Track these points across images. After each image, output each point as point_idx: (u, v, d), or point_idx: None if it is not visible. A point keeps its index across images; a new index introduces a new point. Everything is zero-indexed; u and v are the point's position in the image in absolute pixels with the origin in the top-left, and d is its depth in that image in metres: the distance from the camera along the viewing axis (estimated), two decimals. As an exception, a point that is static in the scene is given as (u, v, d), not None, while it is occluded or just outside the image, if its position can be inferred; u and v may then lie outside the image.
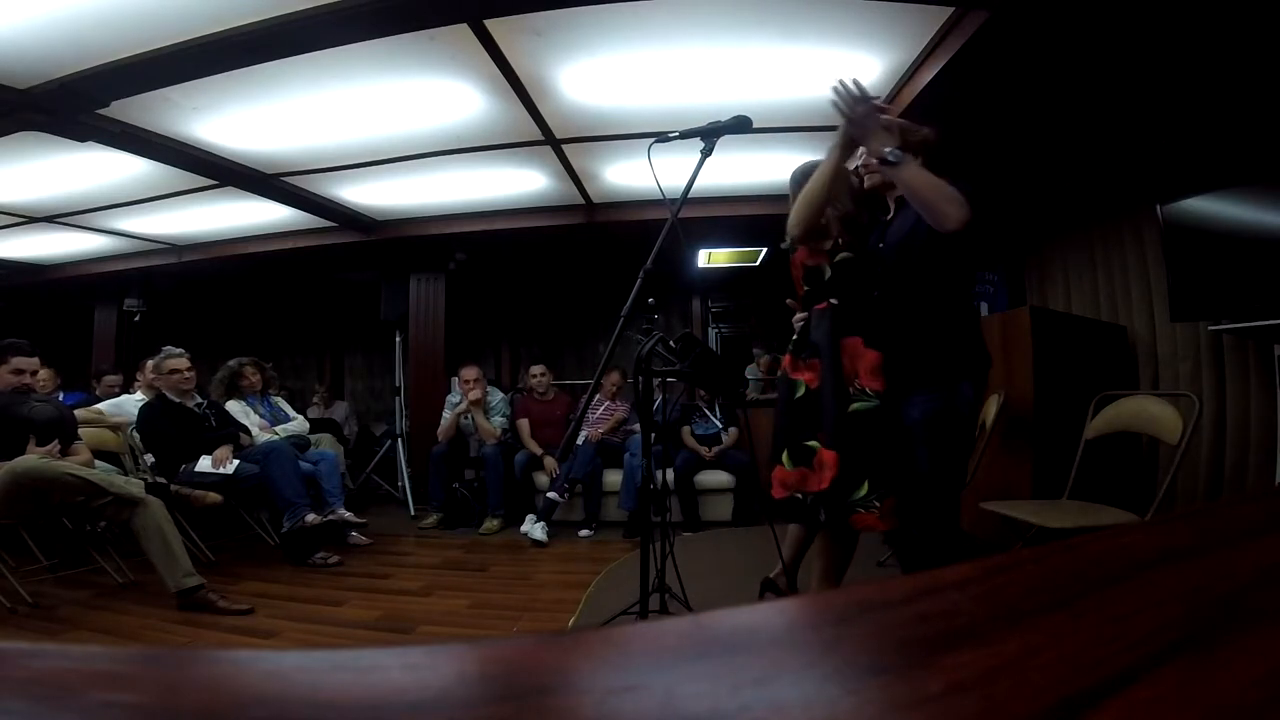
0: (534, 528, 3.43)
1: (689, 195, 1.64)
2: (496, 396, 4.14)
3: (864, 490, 1.64)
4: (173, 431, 3.05)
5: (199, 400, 3.25)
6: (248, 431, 3.31)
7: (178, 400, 3.14)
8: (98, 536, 2.70)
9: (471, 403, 3.92)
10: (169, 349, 3.20)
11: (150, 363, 3.45)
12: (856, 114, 1.49)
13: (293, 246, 4.58)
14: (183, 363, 3.17)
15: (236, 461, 3.06)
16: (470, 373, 4.01)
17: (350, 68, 2.35)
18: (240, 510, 3.27)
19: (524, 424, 4.08)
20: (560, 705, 0.18)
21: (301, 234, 4.51)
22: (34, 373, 2.60)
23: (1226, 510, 0.45)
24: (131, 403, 3.50)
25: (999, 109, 2.73)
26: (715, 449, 3.85)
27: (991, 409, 2.66)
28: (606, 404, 4.17)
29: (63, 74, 2.27)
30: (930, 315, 1.62)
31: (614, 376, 4.13)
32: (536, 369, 4.24)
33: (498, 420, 4.01)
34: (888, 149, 1.45)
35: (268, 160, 3.24)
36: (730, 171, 3.46)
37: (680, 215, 1.63)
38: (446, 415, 4.04)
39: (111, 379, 4.29)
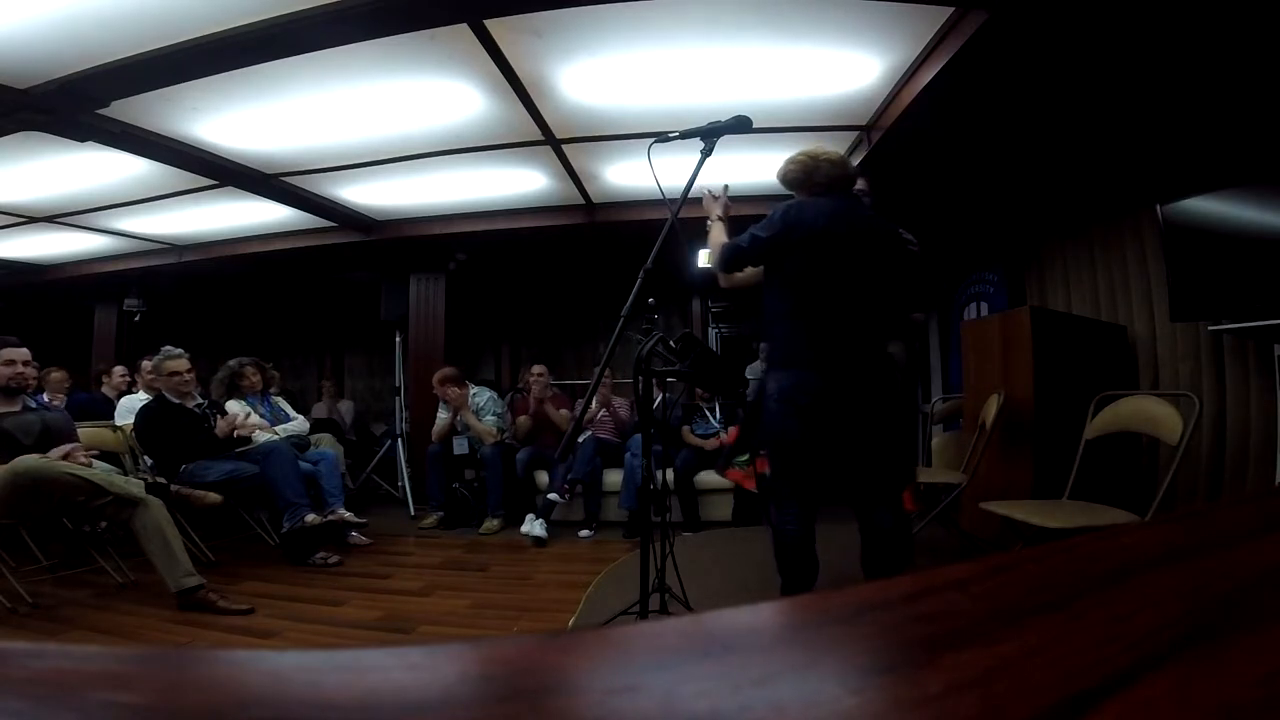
0: (534, 525, 3.43)
1: (689, 195, 1.65)
2: (485, 396, 4.10)
3: (745, 456, 2.55)
4: (171, 434, 3.04)
5: (199, 401, 3.24)
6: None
7: (177, 401, 3.13)
8: (98, 536, 2.70)
9: (455, 405, 3.90)
10: (168, 349, 3.17)
11: (149, 363, 3.44)
12: (706, 202, 2.12)
13: (293, 246, 4.58)
14: (182, 364, 3.14)
15: (263, 436, 3.14)
16: (435, 376, 3.98)
17: (350, 68, 2.35)
18: (240, 510, 3.27)
19: (524, 419, 4.08)
20: (560, 705, 0.18)
21: (301, 234, 4.51)
22: (26, 363, 2.57)
23: (1226, 510, 0.45)
24: (136, 402, 3.50)
25: (999, 109, 2.73)
26: (714, 441, 3.85)
27: (991, 409, 2.66)
28: (613, 400, 4.18)
29: (63, 74, 2.27)
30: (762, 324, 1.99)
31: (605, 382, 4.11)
32: (537, 368, 4.17)
33: (490, 420, 3.99)
34: (709, 220, 2.10)
35: (268, 160, 3.24)
36: (730, 171, 3.46)
37: (680, 215, 1.64)
38: (442, 415, 4.03)
39: (121, 370, 4.28)
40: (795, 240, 1.80)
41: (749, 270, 2.01)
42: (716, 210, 2.08)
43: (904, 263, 1.93)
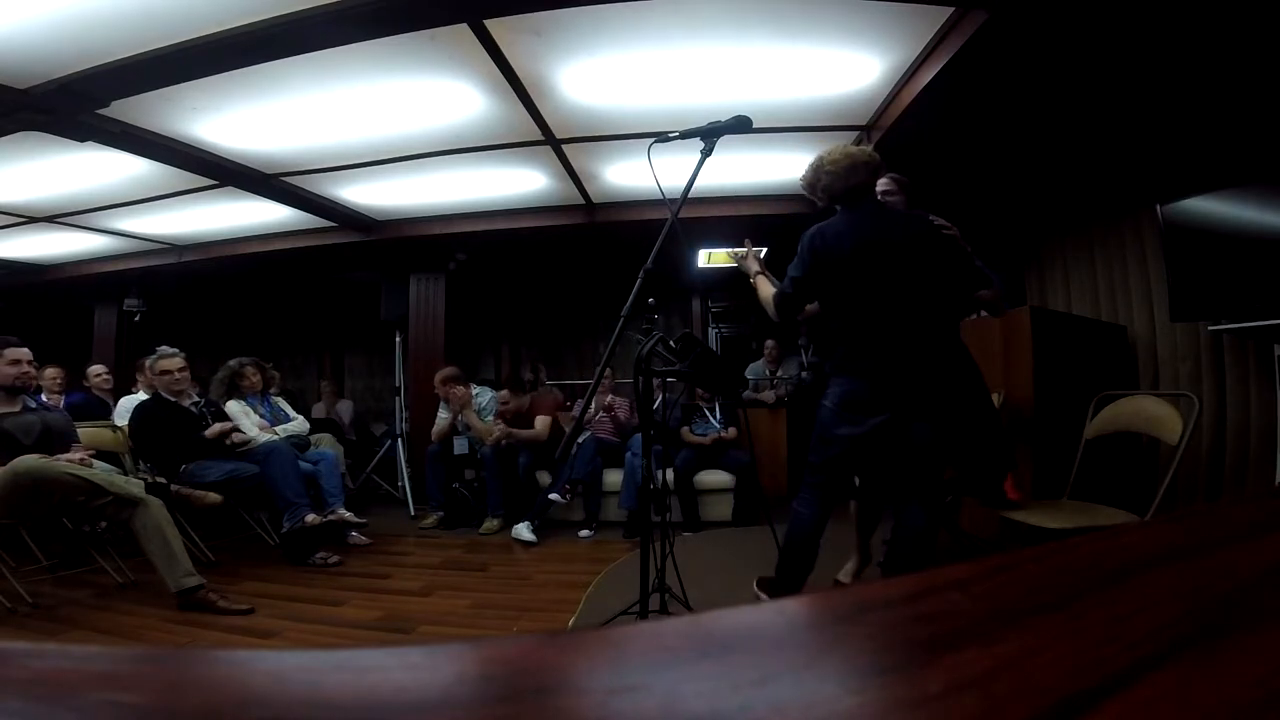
0: (520, 527, 3.45)
1: (689, 195, 1.65)
2: (486, 396, 4.08)
3: None
4: (164, 432, 3.05)
5: (196, 399, 3.25)
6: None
7: (173, 400, 3.14)
8: (98, 536, 2.70)
9: (458, 405, 3.90)
10: (163, 349, 3.20)
11: (146, 362, 3.45)
12: (740, 261, 2.17)
13: (293, 246, 4.58)
14: (175, 363, 3.15)
15: (263, 436, 3.17)
16: (438, 375, 3.98)
17: (350, 68, 2.35)
18: (240, 510, 3.27)
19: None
20: (560, 705, 0.18)
21: (301, 234, 4.51)
22: (29, 362, 2.56)
23: (1226, 510, 0.45)
24: (135, 402, 3.50)
25: (999, 109, 2.73)
26: (713, 435, 3.86)
27: (991, 409, 2.66)
28: (613, 398, 4.18)
29: (63, 74, 2.27)
30: None
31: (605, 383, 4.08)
32: (501, 394, 4.05)
33: (492, 420, 3.97)
34: (750, 276, 2.13)
35: (268, 160, 3.24)
36: (730, 171, 3.46)
37: (680, 215, 1.63)
38: (442, 416, 4.03)
39: (97, 369, 4.25)
40: (826, 269, 1.88)
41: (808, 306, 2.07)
42: (754, 266, 2.12)
43: (941, 250, 1.88)
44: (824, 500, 1.94)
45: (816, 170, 1.90)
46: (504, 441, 3.80)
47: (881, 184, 2.13)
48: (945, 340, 1.87)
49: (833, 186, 1.88)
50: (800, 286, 1.93)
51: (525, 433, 3.87)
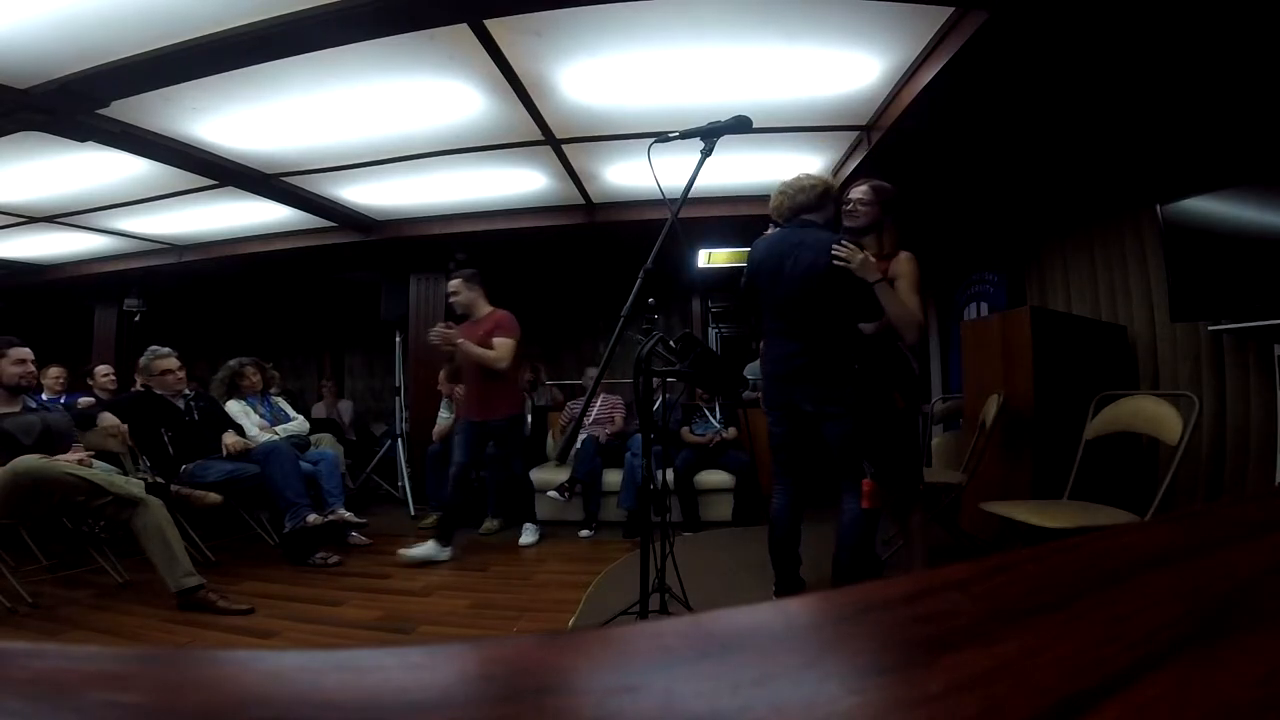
0: (527, 531, 3.46)
1: (689, 195, 1.65)
2: None
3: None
4: (153, 423, 3.09)
5: (187, 394, 3.28)
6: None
7: (160, 393, 3.19)
8: (97, 536, 2.70)
9: (457, 403, 3.89)
10: (155, 349, 3.23)
11: (141, 362, 3.46)
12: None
13: (293, 246, 4.58)
14: (173, 362, 3.19)
15: (263, 436, 3.22)
16: (442, 373, 3.98)
17: (350, 68, 2.35)
18: (240, 510, 3.27)
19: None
20: (560, 705, 0.18)
21: (301, 234, 4.51)
22: (32, 361, 2.58)
23: (1226, 510, 0.45)
24: None
25: (999, 109, 2.73)
26: (714, 435, 3.86)
27: (991, 409, 2.66)
28: (605, 397, 4.17)
29: (63, 74, 2.27)
30: None
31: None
32: (453, 283, 3.37)
33: None
34: None
35: (268, 160, 3.24)
36: (730, 171, 3.46)
37: (680, 215, 1.64)
38: (444, 415, 4.02)
39: (104, 369, 4.26)
40: (750, 275, 2.14)
41: None
42: None
43: (834, 278, 1.96)
44: (785, 488, 2.14)
45: (776, 193, 2.12)
46: (450, 348, 3.09)
47: (858, 191, 2.19)
48: (828, 350, 2.02)
49: (781, 207, 2.11)
50: (742, 285, 2.19)
51: (478, 350, 3.09)
